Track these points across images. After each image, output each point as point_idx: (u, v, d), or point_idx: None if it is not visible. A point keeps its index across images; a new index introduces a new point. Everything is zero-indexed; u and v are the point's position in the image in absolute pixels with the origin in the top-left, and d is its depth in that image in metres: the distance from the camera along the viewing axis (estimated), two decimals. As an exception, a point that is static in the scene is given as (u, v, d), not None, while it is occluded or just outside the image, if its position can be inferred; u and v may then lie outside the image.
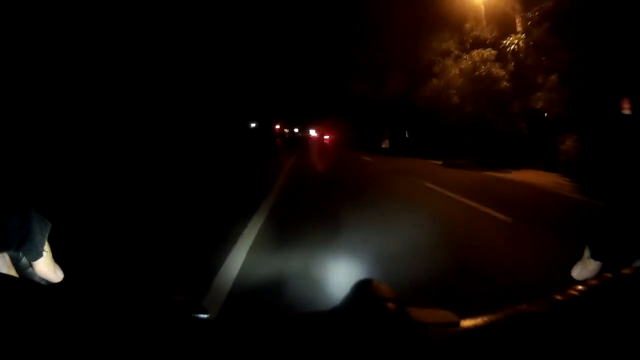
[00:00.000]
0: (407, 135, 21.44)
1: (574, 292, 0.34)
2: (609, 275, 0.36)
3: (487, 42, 13.23)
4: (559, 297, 0.34)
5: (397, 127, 22.12)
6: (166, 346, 0.32)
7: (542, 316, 0.33)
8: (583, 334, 0.31)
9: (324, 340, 0.32)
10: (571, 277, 0.48)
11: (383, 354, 0.30)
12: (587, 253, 0.46)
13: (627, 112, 8.60)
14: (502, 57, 12.75)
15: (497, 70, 12.52)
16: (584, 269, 0.47)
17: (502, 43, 12.53)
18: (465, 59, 13.53)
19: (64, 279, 0.47)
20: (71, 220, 3.71)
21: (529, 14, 11.58)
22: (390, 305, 0.33)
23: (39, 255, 0.43)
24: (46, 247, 0.44)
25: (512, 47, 12.23)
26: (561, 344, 0.31)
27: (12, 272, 0.42)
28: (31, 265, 0.44)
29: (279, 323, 0.37)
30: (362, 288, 0.35)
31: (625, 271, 0.36)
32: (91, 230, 3.80)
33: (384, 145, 22.25)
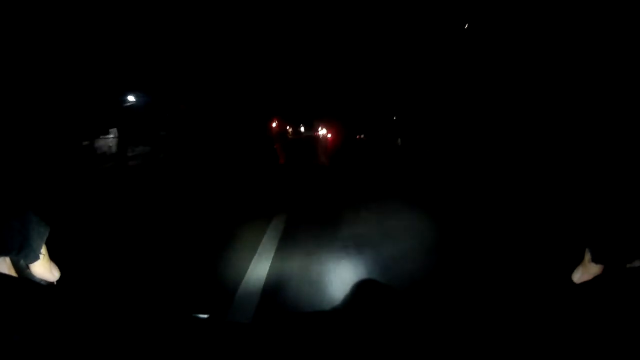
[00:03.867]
0: None
1: (573, 293, 0.34)
2: (609, 276, 0.36)
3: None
4: (558, 298, 0.34)
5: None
6: (166, 345, 0.32)
7: (540, 316, 0.32)
8: (582, 334, 0.31)
9: (325, 340, 0.32)
10: (571, 281, 0.49)
11: (383, 353, 0.30)
12: (587, 257, 0.47)
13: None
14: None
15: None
16: (585, 273, 0.48)
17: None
18: None
19: (66, 278, 0.48)
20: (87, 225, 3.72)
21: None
22: (389, 305, 0.33)
23: (36, 258, 0.44)
24: (43, 249, 0.45)
25: None
26: (560, 343, 0.31)
27: (12, 273, 0.43)
28: (28, 267, 0.44)
29: (280, 322, 0.37)
30: (362, 288, 0.35)
31: (625, 271, 0.35)
32: (94, 228, 3.83)
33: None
